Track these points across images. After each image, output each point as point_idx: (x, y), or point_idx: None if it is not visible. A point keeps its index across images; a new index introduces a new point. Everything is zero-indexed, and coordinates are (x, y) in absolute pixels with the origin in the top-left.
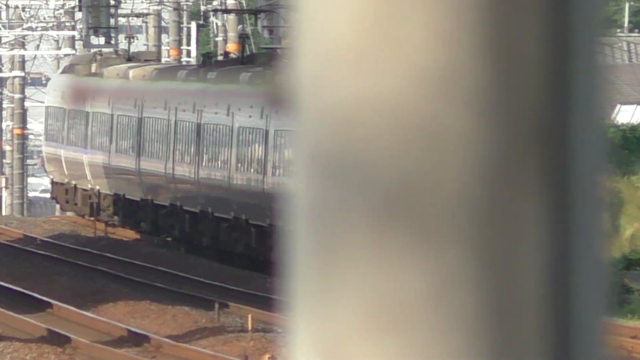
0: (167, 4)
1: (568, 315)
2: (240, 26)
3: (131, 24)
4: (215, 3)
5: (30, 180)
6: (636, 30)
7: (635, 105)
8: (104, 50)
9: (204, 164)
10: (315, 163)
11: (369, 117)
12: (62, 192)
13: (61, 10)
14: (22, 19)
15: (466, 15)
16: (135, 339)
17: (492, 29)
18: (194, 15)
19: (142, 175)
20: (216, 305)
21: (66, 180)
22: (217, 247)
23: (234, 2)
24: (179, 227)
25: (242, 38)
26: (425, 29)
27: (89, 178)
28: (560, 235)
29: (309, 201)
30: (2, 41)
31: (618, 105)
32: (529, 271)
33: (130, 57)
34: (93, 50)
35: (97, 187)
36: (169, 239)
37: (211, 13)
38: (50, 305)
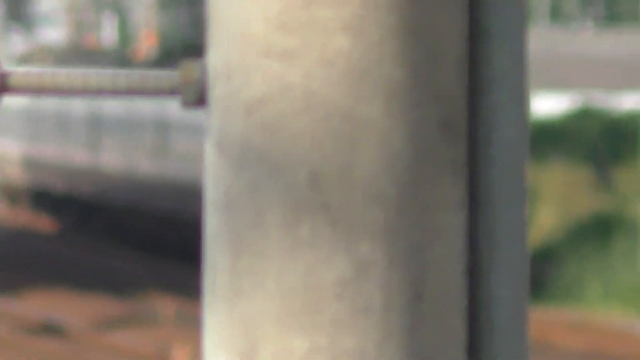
0: None
1: (483, 303)
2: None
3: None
4: None
5: None
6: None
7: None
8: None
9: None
10: (224, 150)
11: (279, 106)
12: None
13: None
14: None
15: (377, 7)
16: (55, 329)
17: (403, 21)
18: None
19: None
20: (137, 295)
21: None
22: (141, 239)
23: None
24: (103, 218)
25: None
26: (336, 18)
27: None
28: (473, 223)
29: (218, 190)
30: None
31: (537, 95)
32: (442, 260)
33: None
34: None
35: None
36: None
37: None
38: None
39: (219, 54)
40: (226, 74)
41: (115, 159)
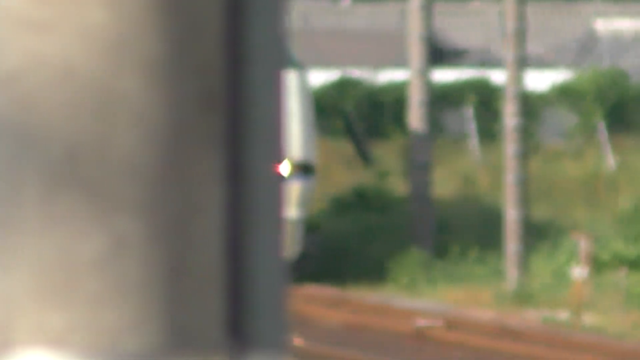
0: None
1: (244, 278)
2: None
3: None
4: None
5: None
6: None
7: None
8: None
9: None
10: None
11: (35, 79)
12: None
13: None
14: None
15: None
16: None
17: None
18: None
19: None
20: None
21: None
22: None
23: None
24: None
25: None
26: None
27: None
28: (234, 197)
29: None
30: None
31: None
32: (202, 234)
33: None
34: None
35: None
36: None
37: None
38: None
39: None
40: None
41: None
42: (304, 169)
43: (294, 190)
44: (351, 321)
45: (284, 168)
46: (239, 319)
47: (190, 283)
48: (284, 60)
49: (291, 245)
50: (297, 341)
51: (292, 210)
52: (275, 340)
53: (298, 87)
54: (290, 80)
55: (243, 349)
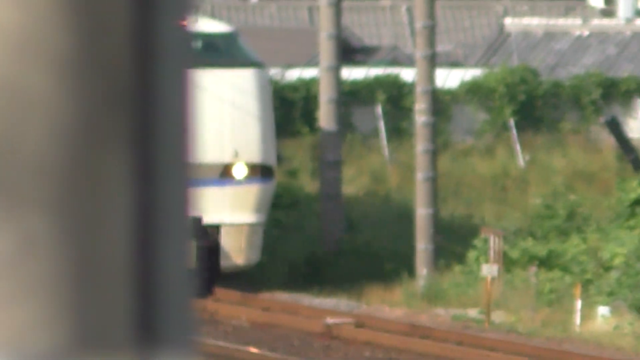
0: None
1: (153, 274)
2: None
3: None
4: None
5: None
6: None
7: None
8: None
9: None
10: None
11: None
12: None
13: None
14: None
15: None
16: None
17: None
18: None
19: None
20: None
21: None
22: None
23: None
24: None
25: None
26: None
27: None
28: (144, 195)
29: None
30: None
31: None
32: (113, 232)
33: None
34: None
35: None
36: None
37: None
38: None
39: None
40: None
41: None
42: (262, 172)
43: (252, 194)
44: (261, 320)
45: (240, 170)
46: (148, 318)
47: (99, 282)
48: (192, 58)
49: (250, 250)
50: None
51: (250, 214)
52: (184, 339)
53: (257, 87)
54: (250, 79)
55: (152, 348)
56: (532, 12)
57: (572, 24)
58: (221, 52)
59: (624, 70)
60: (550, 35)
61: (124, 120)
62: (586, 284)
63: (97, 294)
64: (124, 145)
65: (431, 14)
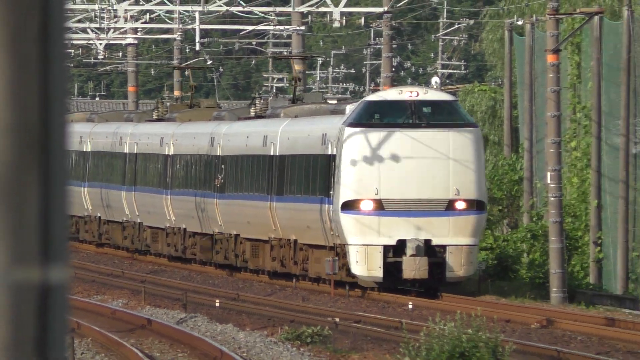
0: None
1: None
2: None
3: None
4: None
5: None
6: None
7: None
8: None
9: None
10: None
11: None
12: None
13: None
14: None
15: None
16: None
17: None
18: None
19: None
20: None
21: None
22: None
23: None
24: None
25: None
26: None
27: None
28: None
29: None
30: None
31: None
32: (32, 216)
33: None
34: None
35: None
36: None
37: None
38: None
39: None
40: None
41: None
42: (477, 205)
43: (469, 222)
44: None
45: (461, 204)
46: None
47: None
48: (68, 114)
49: (468, 265)
50: None
51: (468, 238)
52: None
53: (473, 142)
54: (468, 137)
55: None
56: None
57: None
58: (445, 116)
59: None
60: None
61: (41, 163)
62: None
63: None
64: (39, 180)
65: None
